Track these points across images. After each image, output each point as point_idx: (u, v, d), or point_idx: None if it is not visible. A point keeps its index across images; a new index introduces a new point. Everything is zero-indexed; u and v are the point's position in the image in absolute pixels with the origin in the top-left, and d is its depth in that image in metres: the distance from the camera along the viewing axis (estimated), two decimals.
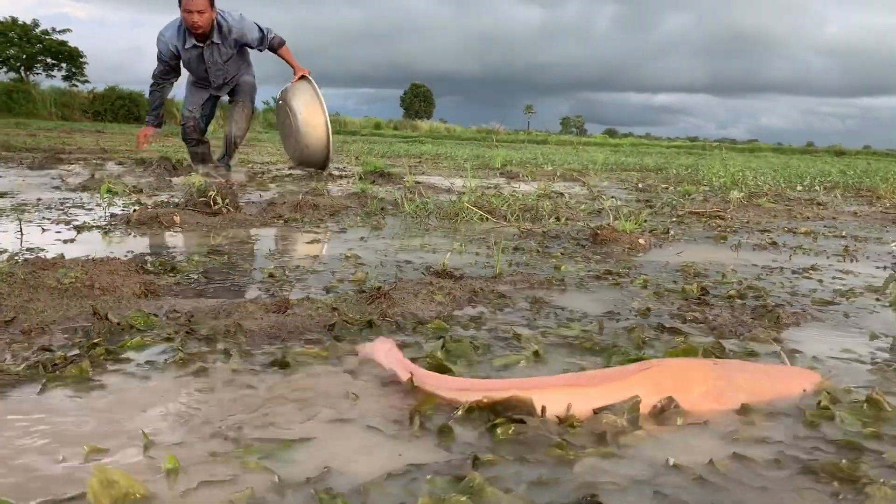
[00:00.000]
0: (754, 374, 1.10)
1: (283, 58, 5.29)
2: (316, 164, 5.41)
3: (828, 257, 2.50)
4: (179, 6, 4.71)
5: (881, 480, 0.80)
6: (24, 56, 33.01)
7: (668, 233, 2.91)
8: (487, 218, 2.94)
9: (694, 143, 37.02)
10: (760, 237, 2.93)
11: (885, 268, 2.33)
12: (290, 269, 1.91)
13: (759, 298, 1.76)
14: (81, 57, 34.97)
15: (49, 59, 34.17)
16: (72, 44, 34.42)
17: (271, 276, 1.80)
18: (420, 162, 8.79)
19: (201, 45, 4.93)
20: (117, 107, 31.15)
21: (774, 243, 2.76)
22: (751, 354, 1.29)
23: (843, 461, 0.83)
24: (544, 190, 4.19)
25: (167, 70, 5.00)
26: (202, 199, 2.81)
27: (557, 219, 3.15)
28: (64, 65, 34.68)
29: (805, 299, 1.79)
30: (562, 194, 4.19)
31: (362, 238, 2.53)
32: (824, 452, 0.88)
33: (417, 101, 65.38)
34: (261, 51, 5.24)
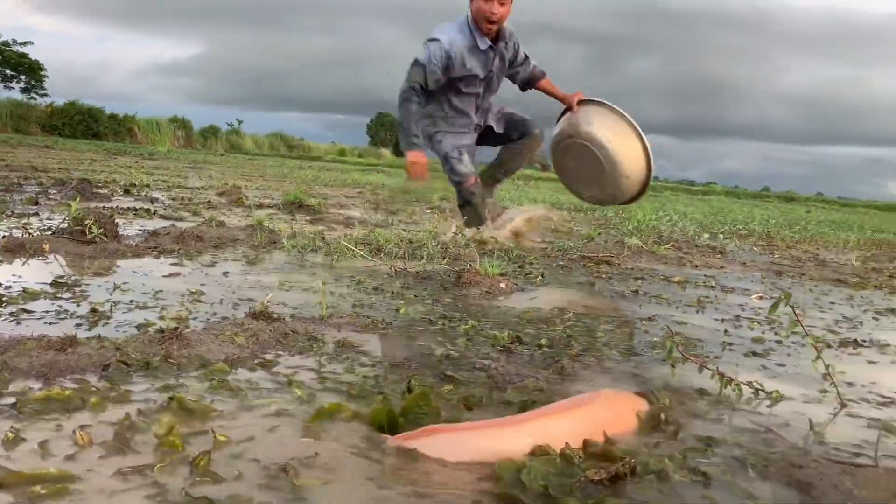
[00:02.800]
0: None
1: (546, 91, 3.99)
2: (630, 195, 4.02)
3: (677, 308, 2.61)
4: None
5: None
6: None
7: (541, 276, 3.00)
8: (364, 257, 3.00)
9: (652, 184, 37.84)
10: (630, 284, 3.04)
11: (723, 320, 2.44)
12: (122, 303, 1.94)
13: (568, 347, 1.85)
14: (41, 70, 34.56)
15: (8, 71, 33.71)
16: (33, 56, 34.06)
17: (94, 311, 1.82)
18: (360, 192, 8.87)
19: (495, 47, 3.63)
20: (76, 122, 30.85)
21: (636, 291, 2.86)
22: (506, 404, 1.36)
23: None
24: (432, 229, 4.27)
25: (419, 89, 3.58)
26: (78, 227, 2.82)
27: (443, 258, 3.22)
28: (23, 77, 34.23)
29: (614, 350, 1.88)
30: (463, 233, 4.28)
31: (225, 273, 2.56)
32: None
33: (383, 130, 65.68)
34: (519, 79, 3.95)
